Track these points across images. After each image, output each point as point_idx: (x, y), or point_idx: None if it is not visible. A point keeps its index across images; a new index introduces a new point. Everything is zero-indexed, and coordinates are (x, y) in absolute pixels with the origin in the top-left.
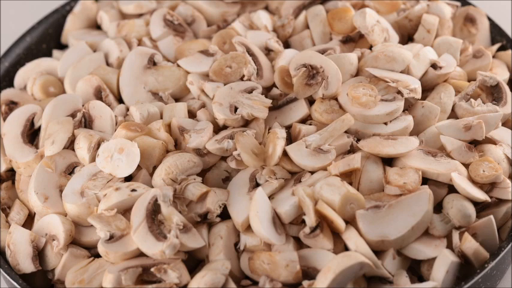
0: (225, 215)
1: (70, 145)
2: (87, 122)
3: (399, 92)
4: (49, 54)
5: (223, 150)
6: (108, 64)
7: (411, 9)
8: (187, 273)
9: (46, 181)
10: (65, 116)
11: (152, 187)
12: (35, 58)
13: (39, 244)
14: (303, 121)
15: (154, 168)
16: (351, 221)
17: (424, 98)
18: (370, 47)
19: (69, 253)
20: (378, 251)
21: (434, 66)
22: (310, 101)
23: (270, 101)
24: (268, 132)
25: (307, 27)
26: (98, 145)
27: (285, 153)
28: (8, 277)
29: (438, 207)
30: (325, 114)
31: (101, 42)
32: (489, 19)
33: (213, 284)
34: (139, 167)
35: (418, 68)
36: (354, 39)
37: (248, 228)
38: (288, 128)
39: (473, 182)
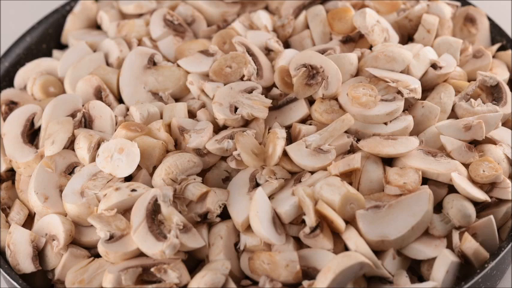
0: (225, 215)
1: (70, 145)
2: (87, 122)
3: (399, 92)
4: (49, 54)
5: (223, 150)
6: (108, 64)
7: (411, 9)
8: (187, 273)
9: (46, 181)
10: (65, 116)
11: (152, 187)
12: (35, 58)
13: (39, 244)
14: (303, 121)
15: (154, 168)
16: (351, 221)
17: (424, 98)
18: (370, 47)
19: (69, 253)
20: (378, 251)
21: (434, 66)
22: (310, 101)
23: (270, 101)
24: (268, 132)
25: (307, 27)
26: (98, 145)
27: (285, 153)
28: (8, 277)
29: (438, 207)
30: (325, 114)
31: (101, 42)
32: (489, 19)
33: (213, 284)
34: (139, 167)
35: (418, 68)
36: (354, 39)
37: (248, 228)
38: (288, 128)
39: (473, 182)
